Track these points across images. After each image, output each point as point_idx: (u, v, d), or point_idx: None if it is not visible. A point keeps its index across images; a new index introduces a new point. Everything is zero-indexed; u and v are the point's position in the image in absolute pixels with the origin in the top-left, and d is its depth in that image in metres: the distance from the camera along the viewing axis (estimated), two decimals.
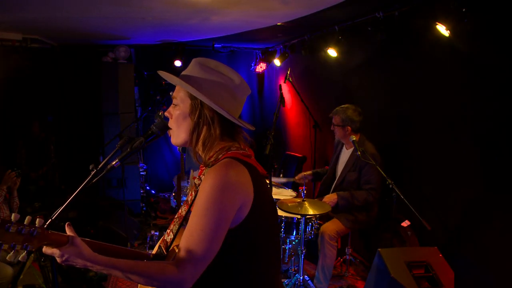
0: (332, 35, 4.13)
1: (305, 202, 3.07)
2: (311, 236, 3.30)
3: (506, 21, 2.58)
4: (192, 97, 1.27)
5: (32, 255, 3.06)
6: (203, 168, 1.33)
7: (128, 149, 1.45)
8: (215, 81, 1.28)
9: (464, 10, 2.63)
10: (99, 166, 1.44)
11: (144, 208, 5.66)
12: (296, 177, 3.88)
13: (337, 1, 3.20)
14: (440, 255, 2.62)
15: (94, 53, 5.75)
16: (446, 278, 2.49)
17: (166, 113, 1.37)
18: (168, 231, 1.35)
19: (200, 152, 1.31)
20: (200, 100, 1.26)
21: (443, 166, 3.20)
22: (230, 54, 6.58)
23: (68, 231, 1.19)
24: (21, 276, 2.96)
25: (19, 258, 1.09)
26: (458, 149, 3.04)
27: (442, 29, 2.87)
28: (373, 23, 3.49)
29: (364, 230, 3.78)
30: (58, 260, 1.14)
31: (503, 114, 2.66)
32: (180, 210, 1.36)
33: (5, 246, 1.05)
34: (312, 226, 3.29)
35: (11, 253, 1.07)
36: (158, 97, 5.50)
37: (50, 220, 1.45)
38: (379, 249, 2.59)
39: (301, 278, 3.23)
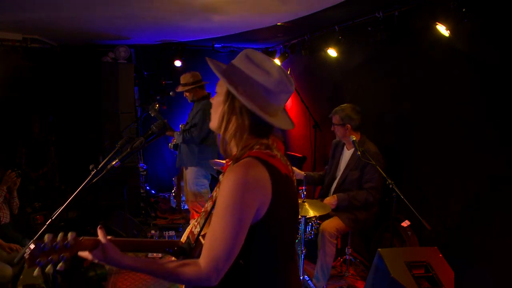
0: (332, 35, 4.13)
1: (305, 203, 3.07)
2: (311, 236, 3.30)
3: (506, 21, 2.58)
4: (230, 86, 1.27)
5: None
6: (228, 164, 1.32)
7: (128, 149, 1.45)
8: (252, 73, 1.27)
9: (464, 10, 2.63)
10: (99, 166, 1.45)
11: (144, 208, 5.66)
12: None
13: (337, 1, 3.20)
14: (440, 255, 2.62)
15: (94, 53, 5.75)
16: (446, 278, 2.49)
17: (210, 99, 1.38)
18: (196, 223, 1.39)
19: (229, 143, 1.32)
20: (236, 94, 1.27)
21: (443, 166, 3.20)
22: (230, 54, 6.58)
23: (99, 235, 1.26)
24: (21, 276, 2.96)
25: (57, 268, 1.19)
26: (458, 149, 3.04)
27: (442, 29, 2.87)
28: (373, 23, 3.49)
29: (364, 229, 3.78)
30: (93, 260, 1.24)
31: (504, 114, 2.66)
32: (206, 205, 1.40)
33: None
34: (312, 226, 3.29)
35: (49, 266, 1.17)
36: (158, 97, 5.50)
37: (50, 220, 1.45)
38: (379, 249, 2.59)
39: (301, 278, 3.23)
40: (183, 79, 4.15)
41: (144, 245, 1.44)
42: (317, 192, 4.04)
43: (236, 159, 1.26)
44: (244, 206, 1.17)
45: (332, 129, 3.59)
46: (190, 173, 4.20)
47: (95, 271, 3.60)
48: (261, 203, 1.20)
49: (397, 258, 2.54)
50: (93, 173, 1.45)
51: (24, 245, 3.20)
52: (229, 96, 1.29)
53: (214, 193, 1.37)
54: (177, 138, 4.22)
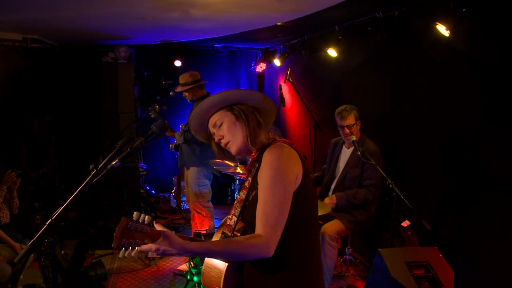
0: (332, 35, 4.13)
1: None
2: None
3: (506, 21, 2.58)
4: (230, 109, 1.52)
5: (32, 255, 3.07)
6: (253, 155, 1.50)
7: (128, 149, 1.45)
8: (241, 94, 1.55)
9: (464, 10, 2.63)
10: (99, 166, 1.45)
11: (144, 208, 5.66)
12: None
13: (337, 1, 3.20)
14: (440, 255, 2.62)
15: (94, 53, 5.75)
16: (446, 278, 2.49)
17: (216, 139, 1.56)
18: (230, 216, 1.49)
19: (256, 142, 1.50)
20: (238, 107, 1.52)
21: (443, 166, 3.20)
22: (230, 54, 6.58)
23: (158, 227, 1.30)
24: (21, 276, 2.96)
25: (132, 254, 1.16)
26: (458, 149, 3.04)
27: (442, 29, 2.87)
28: (373, 23, 3.49)
29: (364, 230, 3.78)
30: (155, 254, 1.24)
31: (504, 114, 2.66)
32: (239, 196, 1.51)
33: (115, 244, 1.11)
34: None
35: (129, 250, 1.14)
36: (158, 97, 5.49)
37: (50, 220, 1.45)
38: (379, 249, 2.59)
39: None
40: (182, 79, 4.14)
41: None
42: (317, 192, 4.04)
43: (264, 147, 1.46)
44: (287, 175, 1.35)
45: (346, 131, 3.47)
46: (192, 173, 4.19)
47: (95, 271, 3.60)
48: (297, 173, 1.39)
49: (397, 258, 2.54)
50: (93, 173, 1.45)
51: (25, 245, 3.20)
52: (240, 112, 1.52)
53: (246, 183, 1.49)
54: (178, 139, 4.23)
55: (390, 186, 2.97)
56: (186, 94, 4.20)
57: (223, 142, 1.54)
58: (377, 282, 2.60)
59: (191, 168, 4.20)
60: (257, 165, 1.45)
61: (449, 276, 2.51)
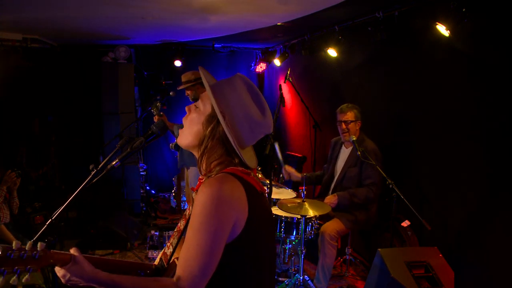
0: (332, 35, 4.13)
1: (305, 203, 3.07)
2: (311, 236, 3.30)
3: (506, 21, 2.58)
4: (214, 109, 1.24)
5: None
6: (201, 180, 1.30)
7: (128, 149, 1.45)
8: (244, 107, 1.25)
9: (464, 10, 2.63)
10: (99, 166, 1.45)
11: (144, 208, 5.66)
12: (287, 167, 3.82)
13: (337, 1, 3.21)
14: (440, 255, 2.62)
15: (94, 53, 5.75)
16: (446, 278, 2.49)
17: (186, 108, 1.34)
18: (168, 244, 1.34)
19: (203, 163, 1.30)
20: (226, 115, 1.24)
21: (443, 166, 3.20)
22: (230, 54, 6.58)
23: (72, 251, 1.18)
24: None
25: (23, 281, 1.09)
26: (458, 149, 3.04)
27: (442, 29, 2.87)
28: (373, 23, 3.49)
29: (364, 230, 3.78)
30: (62, 280, 1.14)
31: (503, 114, 2.66)
32: (179, 224, 1.35)
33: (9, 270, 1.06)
34: (312, 226, 3.29)
35: (14, 277, 1.08)
36: (158, 97, 5.49)
37: (50, 220, 1.46)
38: (379, 249, 2.59)
39: (301, 278, 3.23)
40: (184, 77, 4.15)
41: (116, 266, 1.35)
42: (317, 191, 4.04)
43: (209, 176, 1.23)
44: (219, 221, 1.13)
45: (343, 127, 3.50)
46: (192, 173, 4.19)
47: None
48: (237, 219, 1.16)
49: (397, 258, 2.54)
50: (93, 173, 1.45)
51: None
52: (213, 120, 1.25)
53: (187, 212, 1.32)
54: (175, 131, 4.20)
55: (390, 186, 2.97)
56: (188, 92, 4.20)
57: (183, 118, 1.34)
58: (377, 282, 2.60)
59: (191, 168, 4.20)
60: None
61: (449, 276, 2.51)
